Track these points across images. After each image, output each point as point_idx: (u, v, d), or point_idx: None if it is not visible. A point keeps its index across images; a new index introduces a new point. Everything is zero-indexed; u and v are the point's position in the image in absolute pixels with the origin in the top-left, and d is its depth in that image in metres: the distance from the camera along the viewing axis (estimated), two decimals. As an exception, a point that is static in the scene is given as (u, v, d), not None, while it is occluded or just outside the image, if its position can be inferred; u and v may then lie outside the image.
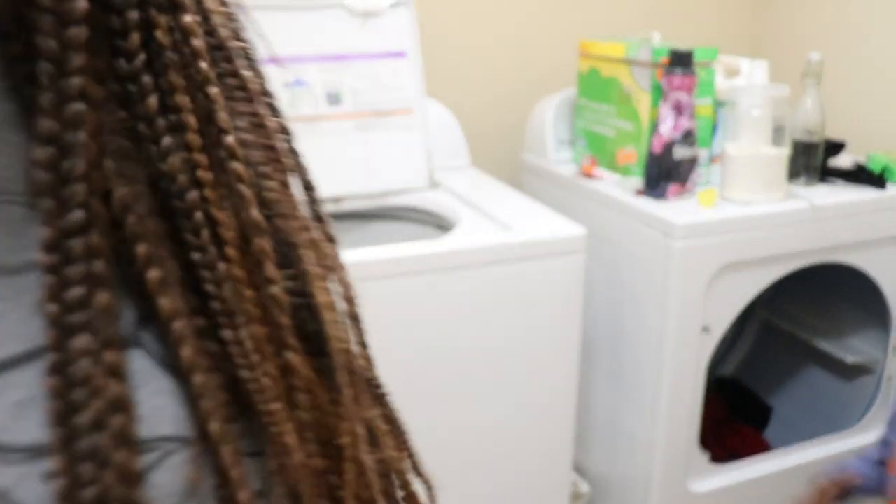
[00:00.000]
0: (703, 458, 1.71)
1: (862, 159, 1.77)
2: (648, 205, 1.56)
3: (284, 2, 1.58)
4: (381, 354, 1.33)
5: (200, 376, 0.30)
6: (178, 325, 0.30)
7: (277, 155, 0.35)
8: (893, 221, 1.68)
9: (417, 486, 0.42)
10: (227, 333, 0.31)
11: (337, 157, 1.60)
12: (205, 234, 0.31)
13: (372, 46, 1.64)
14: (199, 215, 0.31)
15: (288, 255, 0.34)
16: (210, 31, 0.33)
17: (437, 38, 1.84)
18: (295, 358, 0.33)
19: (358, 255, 1.31)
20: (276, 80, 1.39)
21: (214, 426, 0.30)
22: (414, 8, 1.66)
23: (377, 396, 0.39)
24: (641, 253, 1.58)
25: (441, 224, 1.55)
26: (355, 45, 1.63)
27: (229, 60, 0.34)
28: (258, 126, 0.34)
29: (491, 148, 1.98)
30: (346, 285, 0.38)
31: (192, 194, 0.31)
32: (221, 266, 0.31)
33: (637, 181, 1.64)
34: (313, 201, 0.39)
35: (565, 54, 1.94)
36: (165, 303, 0.29)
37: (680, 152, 1.56)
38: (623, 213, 1.61)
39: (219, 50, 0.33)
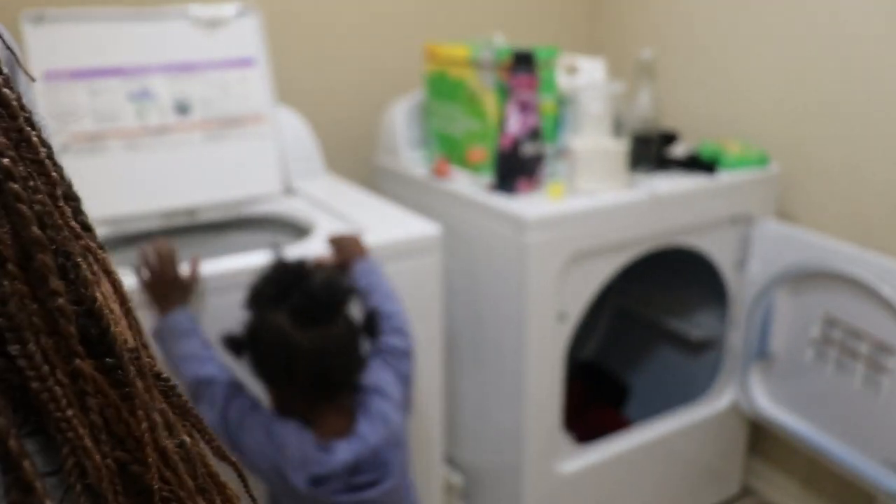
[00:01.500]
0: (567, 440, 1.79)
1: (694, 148, 1.90)
2: (500, 201, 1.62)
3: (127, 12, 1.54)
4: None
5: None
6: None
7: (45, 169, 0.36)
8: (724, 204, 1.81)
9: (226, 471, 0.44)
10: (14, 348, 0.32)
11: (188, 168, 1.57)
12: None
13: (219, 55, 1.62)
14: None
15: (63, 265, 0.35)
16: None
17: (285, 44, 1.84)
18: (83, 364, 0.34)
19: (214, 265, 1.30)
20: (121, 91, 1.37)
21: (12, 443, 0.31)
22: (260, 16, 1.66)
23: (165, 390, 0.41)
24: (496, 247, 1.63)
25: (298, 230, 1.55)
26: (202, 53, 1.60)
27: None
28: (23, 142, 0.35)
29: (345, 152, 2.00)
30: (120, 288, 0.40)
31: None
32: (6, 283, 0.32)
33: (488, 178, 1.69)
34: (78, 212, 0.40)
35: (414, 57, 1.98)
36: None
37: (527, 149, 1.63)
38: (476, 210, 1.66)
39: None
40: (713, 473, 2.09)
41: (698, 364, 2.10)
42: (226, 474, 0.43)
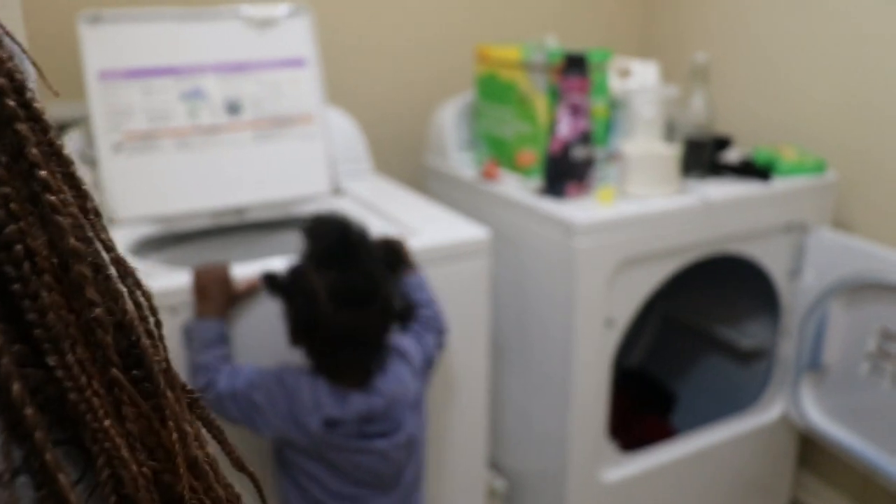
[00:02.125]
0: (612, 448, 1.76)
1: (748, 154, 1.86)
2: (549, 205, 1.60)
3: (180, 12, 1.55)
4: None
5: (30, 409, 0.31)
6: (6, 361, 0.31)
7: (76, 182, 0.36)
8: (778, 212, 1.77)
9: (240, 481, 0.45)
10: (52, 359, 0.32)
11: (238, 168, 1.58)
12: (26, 265, 0.32)
13: (270, 55, 1.62)
14: (19, 248, 0.32)
15: (95, 277, 0.36)
16: (9, 71, 0.34)
17: (336, 45, 1.84)
18: (119, 374, 0.34)
19: (262, 265, 1.30)
20: (173, 90, 1.39)
21: (48, 456, 0.31)
22: (312, 16, 1.66)
23: (190, 402, 0.41)
24: (544, 251, 1.61)
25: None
26: (254, 53, 1.61)
27: (21, 93, 0.35)
28: (55, 155, 0.35)
29: (393, 153, 2.00)
30: (148, 299, 0.40)
31: (12, 228, 0.32)
32: (44, 294, 0.32)
33: (538, 182, 1.67)
34: (102, 226, 0.40)
35: (464, 58, 1.97)
36: None
37: (578, 152, 1.60)
38: (525, 214, 1.64)
39: (17, 86, 0.34)
40: (761, 486, 2.05)
41: (747, 374, 2.06)
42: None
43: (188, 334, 1.23)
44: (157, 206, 1.50)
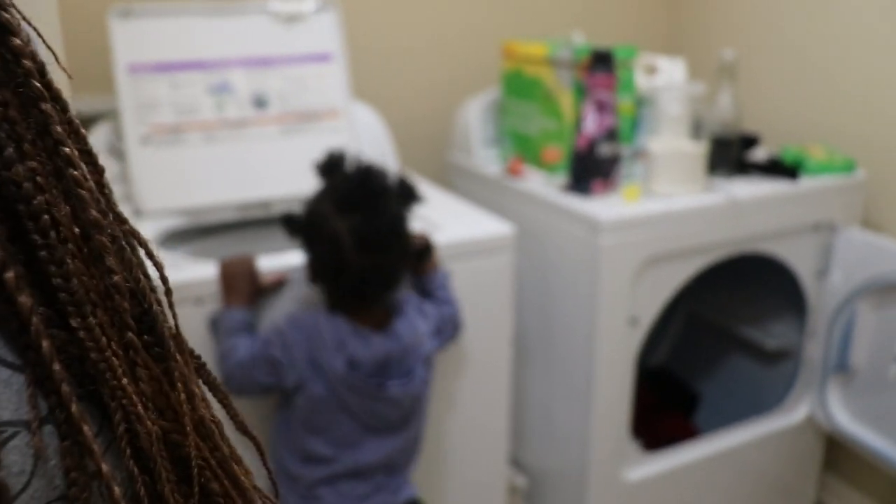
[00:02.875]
0: (635, 446, 1.75)
1: (776, 152, 1.84)
2: (574, 201, 1.59)
3: (208, 7, 1.56)
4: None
5: (58, 365, 0.33)
6: (36, 321, 0.33)
7: (93, 158, 0.38)
8: (806, 211, 1.75)
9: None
10: (75, 322, 0.34)
11: (264, 161, 1.59)
12: (53, 234, 0.34)
13: (297, 50, 1.63)
14: (46, 218, 0.34)
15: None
16: (33, 54, 0.36)
17: (362, 40, 1.85)
18: (135, 337, 0.37)
19: (287, 259, 1.31)
20: (201, 84, 1.40)
21: (74, 408, 0.33)
22: (339, 12, 1.66)
23: (197, 367, 0.43)
24: (569, 248, 1.61)
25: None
26: (281, 48, 1.62)
27: (43, 74, 0.37)
28: (74, 133, 0.37)
29: (418, 149, 2.00)
30: (160, 269, 0.42)
31: (39, 199, 0.34)
32: (69, 261, 0.34)
33: (563, 178, 1.67)
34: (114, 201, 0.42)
35: (489, 54, 1.97)
36: (24, 301, 0.33)
37: (603, 149, 1.60)
38: (550, 211, 1.64)
39: (39, 67, 0.36)
40: (785, 488, 2.03)
41: (772, 375, 2.04)
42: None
43: (214, 325, 1.24)
44: (183, 199, 1.51)
